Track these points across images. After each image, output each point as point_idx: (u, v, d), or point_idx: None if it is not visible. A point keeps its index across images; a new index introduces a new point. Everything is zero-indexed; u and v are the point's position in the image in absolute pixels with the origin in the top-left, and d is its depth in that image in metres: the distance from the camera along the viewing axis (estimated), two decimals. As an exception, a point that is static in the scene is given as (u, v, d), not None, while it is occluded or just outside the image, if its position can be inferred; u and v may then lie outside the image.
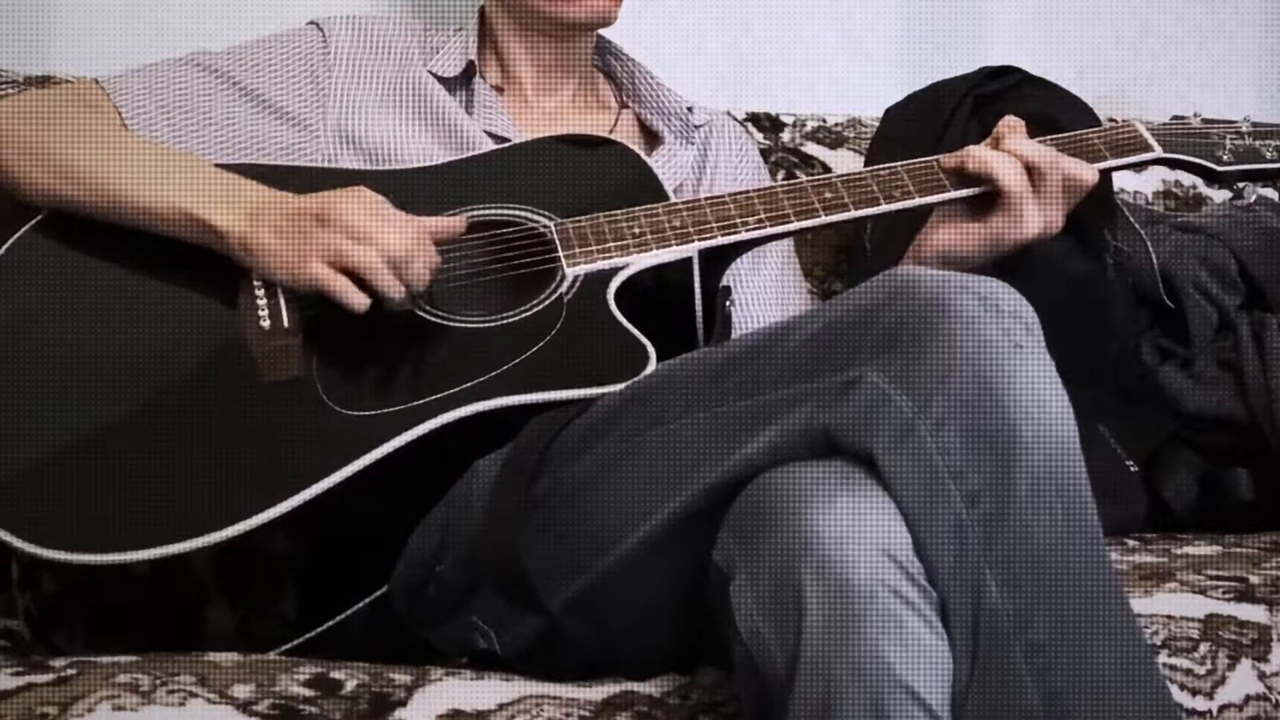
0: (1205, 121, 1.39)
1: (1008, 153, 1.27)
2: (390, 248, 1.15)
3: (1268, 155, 1.36)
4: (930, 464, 0.92)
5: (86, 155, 1.24)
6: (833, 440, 0.96)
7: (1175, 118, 1.40)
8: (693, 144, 1.52)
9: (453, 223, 1.22)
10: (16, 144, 1.26)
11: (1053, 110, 1.63)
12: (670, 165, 1.47)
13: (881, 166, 1.31)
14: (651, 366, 1.15)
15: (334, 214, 1.15)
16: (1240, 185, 1.36)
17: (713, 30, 2.06)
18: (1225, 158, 1.36)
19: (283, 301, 1.19)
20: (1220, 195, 2.03)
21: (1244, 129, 1.38)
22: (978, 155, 1.28)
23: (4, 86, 1.60)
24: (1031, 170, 1.27)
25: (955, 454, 0.92)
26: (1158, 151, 1.35)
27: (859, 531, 0.90)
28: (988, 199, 1.29)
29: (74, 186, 1.24)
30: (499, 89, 1.48)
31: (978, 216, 1.29)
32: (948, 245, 1.31)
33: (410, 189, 1.20)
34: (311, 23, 1.44)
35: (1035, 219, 1.27)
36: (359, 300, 1.16)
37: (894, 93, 1.87)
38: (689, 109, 1.52)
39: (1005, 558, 0.91)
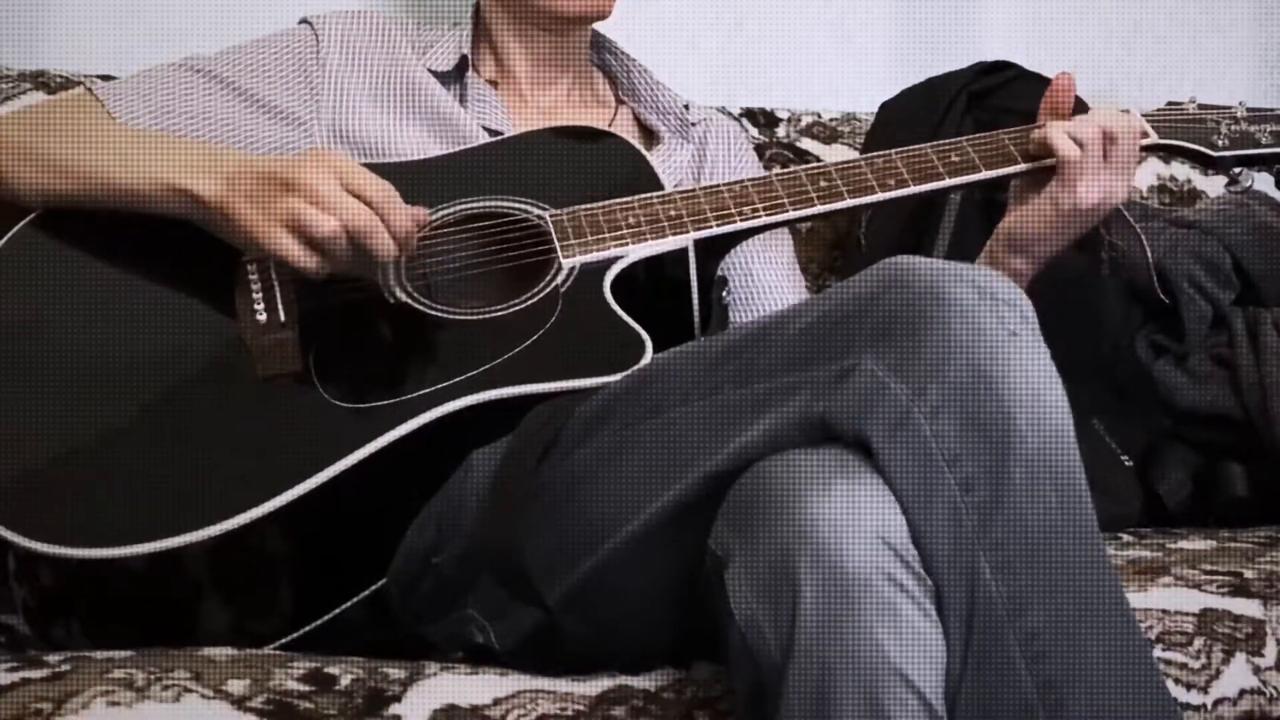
0: (1201, 107, 1.39)
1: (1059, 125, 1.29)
2: (355, 223, 1.14)
3: (1263, 140, 1.36)
4: (926, 451, 0.92)
5: (74, 148, 1.25)
6: (829, 428, 0.96)
7: (1171, 104, 1.40)
8: (690, 142, 1.52)
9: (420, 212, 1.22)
10: (8, 147, 1.26)
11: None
12: (669, 164, 1.47)
13: (876, 154, 1.31)
14: (648, 357, 1.15)
15: (300, 180, 1.14)
16: (1236, 171, 1.36)
17: (707, 27, 2.06)
18: (1221, 143, 1.36)
19: (278, 295, 1.19)
20: (1217, 185, 2.03)
21: (1239, 114, 1.38)
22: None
23: (-1, 83, 1.61)
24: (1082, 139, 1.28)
25: (951, 441, 0.92)
26: (1153, 138, 1.35)
27: (855, 519, 0.90)
28: (1042, 175, 1.30)
29: (64, 180, 1.24)
30: (494, 84, 1.48)
31: (1037, 190, 1.31)
32: (1011, 226, 1.32)
33: (405, 183, 1.20)
34: (304, 21, 1.44)
35: (1094, 185, 1.28)
36: (320, 268, 1.15)
37: (888, 88, 1.87)
38: (685, 106, 1.52)
39: (1000, 545, 0.91)
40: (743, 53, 2.08)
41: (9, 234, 1.24)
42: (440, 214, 1.29)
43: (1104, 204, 1.29)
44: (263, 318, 1.18)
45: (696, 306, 1.27)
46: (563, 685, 1.03)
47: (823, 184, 1.29)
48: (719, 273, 1.30)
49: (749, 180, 1.30)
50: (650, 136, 1.52)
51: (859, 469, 0.93)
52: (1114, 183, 1.29)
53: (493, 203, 1.30)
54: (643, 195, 1.28)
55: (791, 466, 0.94)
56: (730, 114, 1.88)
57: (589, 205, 1.27)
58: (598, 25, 1.51)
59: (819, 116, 1.99)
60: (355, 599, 1.14)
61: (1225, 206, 1.79)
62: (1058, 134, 1.28)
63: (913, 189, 1.30)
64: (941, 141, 1.33)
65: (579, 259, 1.24)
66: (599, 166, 1.35)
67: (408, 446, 1.11)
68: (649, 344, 1.16)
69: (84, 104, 1.33)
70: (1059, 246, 1.32)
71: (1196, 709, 1.15)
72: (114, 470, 1.09)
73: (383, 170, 1.22)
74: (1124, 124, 1.29)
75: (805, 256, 1.81)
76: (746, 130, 1.91)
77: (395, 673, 1.01)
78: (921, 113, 1.73)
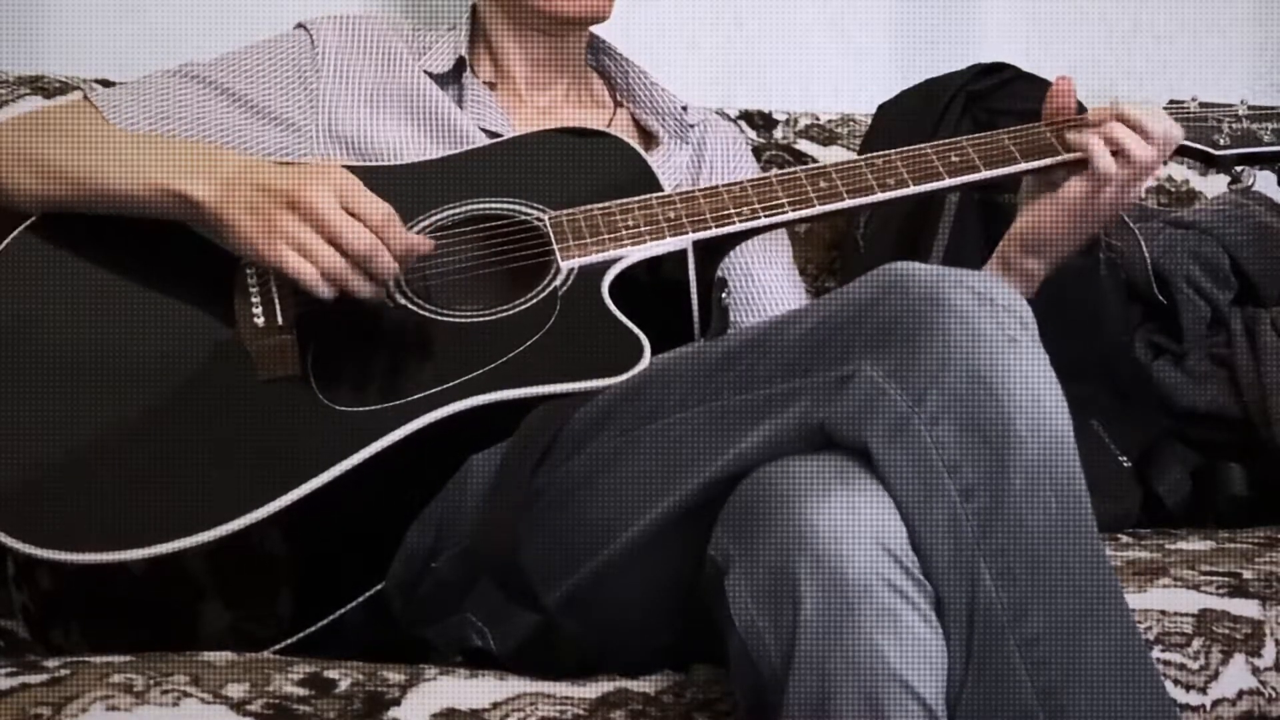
0: (1202, 105, 1.38)
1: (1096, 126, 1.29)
2: (357, 247, 1.14)
3: (1265, 138, 1.35)
4: (926, 458, 0.92)
5: (70, 153, 1.25)
6: (828, 435, 0.96)
7: (1172, 102, 1.40)
8: (688, 144, 1.52)
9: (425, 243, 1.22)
10: (6, 152, 1.27)
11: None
12: (667, 166, 1.47)
13: (876, 155, 1.31)
14: (646, 360, 1.15)
15: (304, 200, 1.14)
16: (1238, 169, 1.36)
17: (705, 28, 2.06)
18: (1222, 142, 1.36)
19: (276, 298, 1.19)
20: (1215, 185, 2.03)
21: (1241, 112, 1.37)
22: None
23: (-4, 86, 1.61)
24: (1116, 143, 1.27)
25: (950, 448, 0.92)
26: None
27: (855, 526, 0.90)
28: (1053, 175, 1.29)
29: (60, 185, 1.24)
30: (491, 85, 1.48)
31: (1050, 191, 1.30)
32: (1023, 227, 1.31)
33: (404, 185, 1.20)
34: (299, 25, 1.44)
35: (1110, 191, 1.28)
36: (326, 291, 1.15)
37: (887, 90, 1.87)
38: (683, 108, 1.52)
39: (1000, 551, 0.91)
40: (741, 53, 2.08)
41: (7, 239, 1.24)
42: (438, 216, 1.29)
43: (1116, 206, 1.29)
44: (261, 321, 1.18)
45: (696, 309, 1.27)
46: (562, 689, 1.03)
47: (822, 185, 1.29)
48: (719, 274, 1.30)
49: (748, 181, 1.29)
50: (648, 138, 1.52)
51: (859, 475, 0.93)
52: (1133, 189, 1.29)
53: (491, 204, 1.30)
54: (641, 197, 1.28)
55: (791, 473, 0.94)
56: (728, 115, 1.88)
57: (587, 207, 1.27)
58: (596, 27, 1.51)
59: (817, 118, 1.99)
60: (354, 602, 1.14)
61: (1223, 207, 1.79)
62: (1097, 144, 1.27)
63: (912, 189, 1.29)
64: (941, 141, 1.33)
65: (577, 261, 1.24)
66: (597, 168, 1.35)
67: (406, 450, 1.11)
68: (648, 347, 1.16)
69: (81, 111, 1.33)
70: (1072, 246, 1.32)
71: (1195, 710, 1.15)
72: (113, 474, 1.09)
73: (381, 173, 1.22)
74: (1175, 135, 1.29)
75: (803, 257, 1.81)
76: (744, 132, 1.91)
77: (394, 676, 1.01)
78: (919, 114, 1.73)
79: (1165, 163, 1.34)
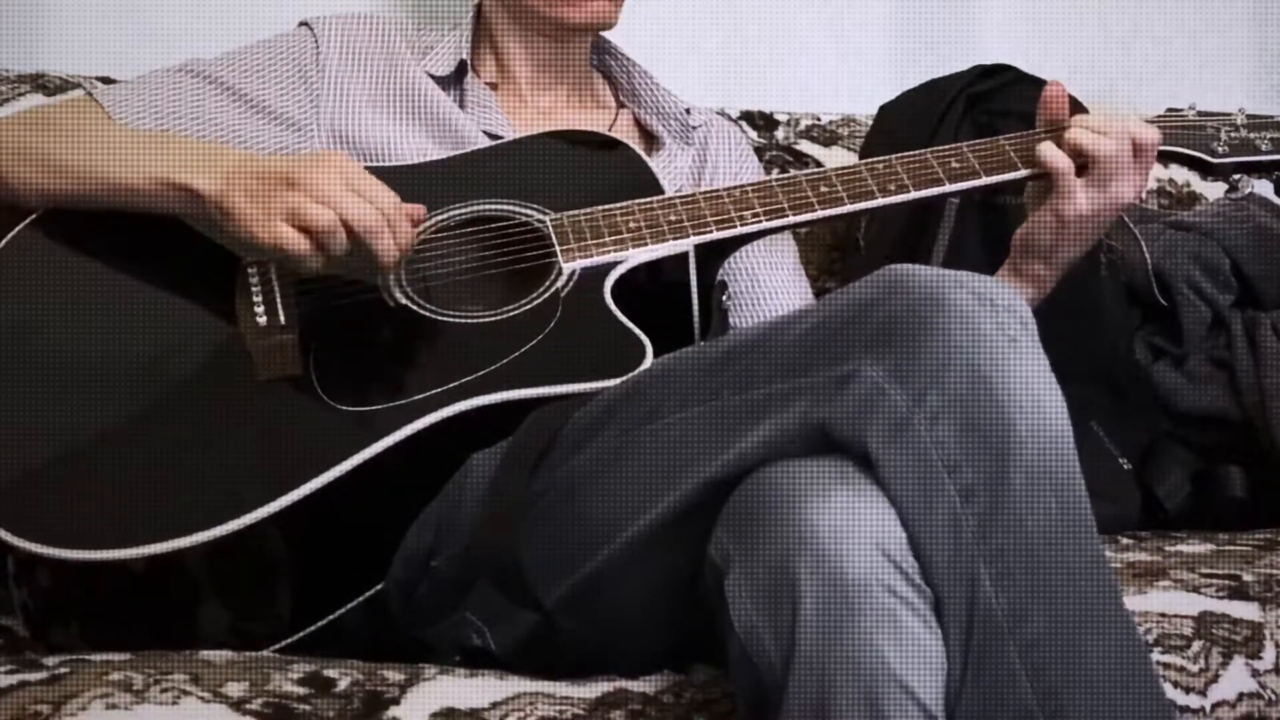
0: (1200, 114, 1.38)
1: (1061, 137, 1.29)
2: (354, 214, 1.14)
3: (1263, 147, 1.35)
4: (925, 458, 0.92)
5: (73, 149, 1.25)
6: (828, 435, 0.96)
7: (1170, 110, 1.40)
8: (691, 145, 1.52)
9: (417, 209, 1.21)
10: (8, 148, 1.27)
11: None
12: (670, 168, 1.47)
13: (876, 160, 1.31)
14: (648, 361, 1.15)
15: (302, 178, 1.14)
16: (1236, 177, 1.36)
17: (706, 29, 2.06)
18: (1220, 150, 1.36)
19: (279, 298, 1.19)
20: (1216, 188, 2.03)
21: (1239, 121, 1.37)
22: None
23: (-2, 84, 1.61)
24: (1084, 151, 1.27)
25: (950, 448, 0.92)
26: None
27: (854, 528, 0.90)
28: (1049, 181, 1.29)
29: (64, 180, 1.24)
30: (493, 85, 1.48)
31: (1044, 198, 1.30)
32: (1025, 233, 1.32)
33: (406, 186, 1.20)
34: (303, 24, 1.44)
35: (1084, 195, 1.27)
36: (315, 260, 1.15)
37: (887, 91, 1.87)
38: (686, 110, 1.52)
39: (1000, 553, 0.91)
40: (741, 54, 2.08)
41: (9, 236, 1.24)
42: (440, 217, 1.29)
43: (1104, 208, 1.28)
44: (263, 320, 1.18)
45: (697, 311, 1.27)
46: (561, 688, 1.03)
47: (823, 189, 1.29)
48: (719, 277, 1.31)
49: (749, 185, 1.30)
50: (651, 140, 1.52)
51: (858, 478, 0.93)
52: (1124, 189, 1.28)
53: (493, 206, 1.30)
54: (643, 199, 1.28)
55: (791, 474, 0.94)
56: (729, 116, 1.88)
57: (589, 209, 1.27)
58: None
59: (818, 119, 1.99)
60: (354, 602, 1.14)
61: (1224, 209, 1.79)
62: (1048, 148, 1.28)
63: (913, 194, 1.29)
64: (942, 147, 1.33)
65: (579, 263, 1.24)
66: (600, 171, 1.35)
67: (407, 450, 1.11)
68: (649, 348, 1.16)
69: (84, 107, 1.33)
70: (1075, 250, 1.31)
71: (1195, 712, 1.15)
72: (114, 472, 1.09)
73: (383, 174, 1.22)
74: (1151, 137, 1.28)
75: (803, 258, 1.80)
76: (745, 133, 1.91)
77: (393, 676, 1.01)
78: (920, 115, 1.73)
79: (1165, 165, 1.34)
